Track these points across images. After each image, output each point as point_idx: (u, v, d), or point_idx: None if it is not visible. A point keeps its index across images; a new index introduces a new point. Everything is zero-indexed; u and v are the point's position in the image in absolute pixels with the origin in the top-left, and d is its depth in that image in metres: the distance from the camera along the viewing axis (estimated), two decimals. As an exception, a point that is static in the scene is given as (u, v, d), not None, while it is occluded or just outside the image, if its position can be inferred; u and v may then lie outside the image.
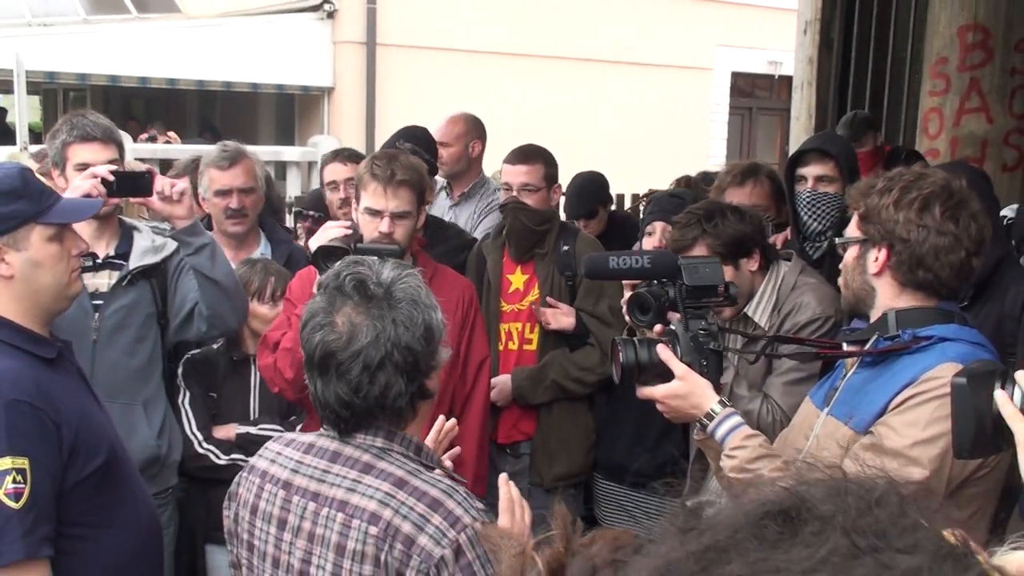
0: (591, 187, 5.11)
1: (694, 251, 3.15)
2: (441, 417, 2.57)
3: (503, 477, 2.18)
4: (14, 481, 2.26)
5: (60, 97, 20.07)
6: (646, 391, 2.35)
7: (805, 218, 3.84)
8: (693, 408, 2.32)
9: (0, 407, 2.29)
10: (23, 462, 2.28)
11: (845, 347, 2.54)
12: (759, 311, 3.25)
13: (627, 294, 3.24)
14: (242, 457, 3.72)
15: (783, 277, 3.27)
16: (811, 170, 3.89)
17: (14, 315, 2.47)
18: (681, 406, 2.34)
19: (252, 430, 3.76)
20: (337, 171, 4.80)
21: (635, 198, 9.53)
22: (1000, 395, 1.77)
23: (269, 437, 3.63)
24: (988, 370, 1.84)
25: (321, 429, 2.14)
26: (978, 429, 1.82)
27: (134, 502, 2.62)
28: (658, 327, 2.38)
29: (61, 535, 2.37)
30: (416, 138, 4.48)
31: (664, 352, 2.35)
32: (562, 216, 4.92)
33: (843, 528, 0.71)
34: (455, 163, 5.17)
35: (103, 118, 3.58)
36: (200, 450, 3.72)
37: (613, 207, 5.78)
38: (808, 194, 3.84)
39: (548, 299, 4.10)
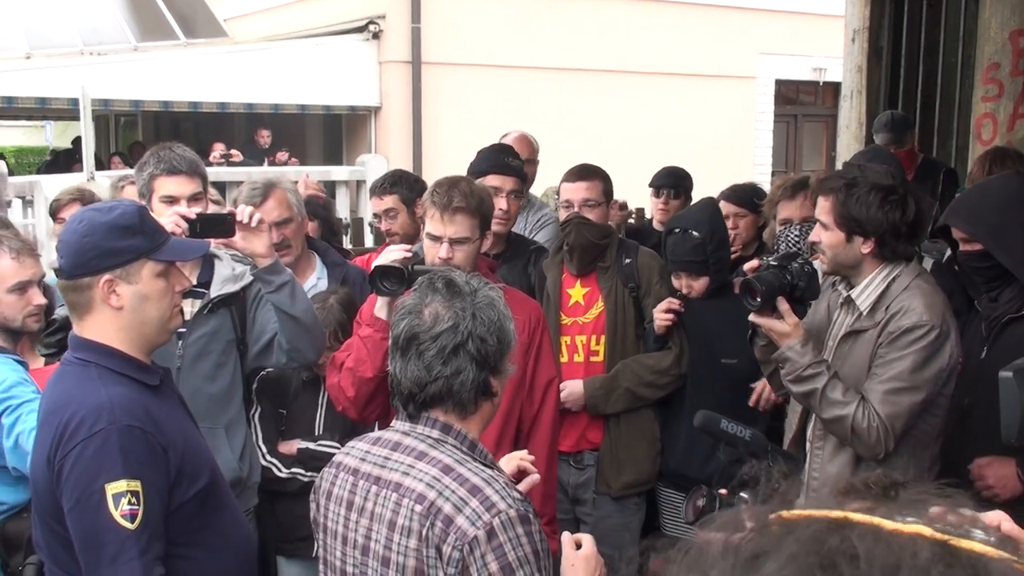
0: (677, 171, 5.67)
1: (826, 200, 3.25)
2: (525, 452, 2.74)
3: (569, 537, 2.32)
4: (129, 503, 2.36)
5: (112, 123, 20.49)
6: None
7: None
8: None
9: (115, 432, 2.40)
10: (136, 485, 2.38)
11: None
12: (863, 296, 3.27)
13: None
14: (302, 471, 3.83)
15: (898, 274, 3.25)
16: None
17: (120, 344, 2.58)
18: None
19: (312, 446, 3.87)
20: (376, 204, 4.91)
21: (685, 209, 9.54)
22: None
23: (328, 453, 3.75)
24: None
25: (393, 423, 2.36)
26: None
27: (232, 523, 2.72)
28: (724, 490, 2.52)
29: (165, 555, 2.47)
30: (513, 152, 4.64)
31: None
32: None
33: None
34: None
35: (189, 151, 3.67)
36: (263, 462, 3.84)
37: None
38: None
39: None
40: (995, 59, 5.91)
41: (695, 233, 4.10)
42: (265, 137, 14.90)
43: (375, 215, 4.95)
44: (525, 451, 2.78)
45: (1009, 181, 3.84)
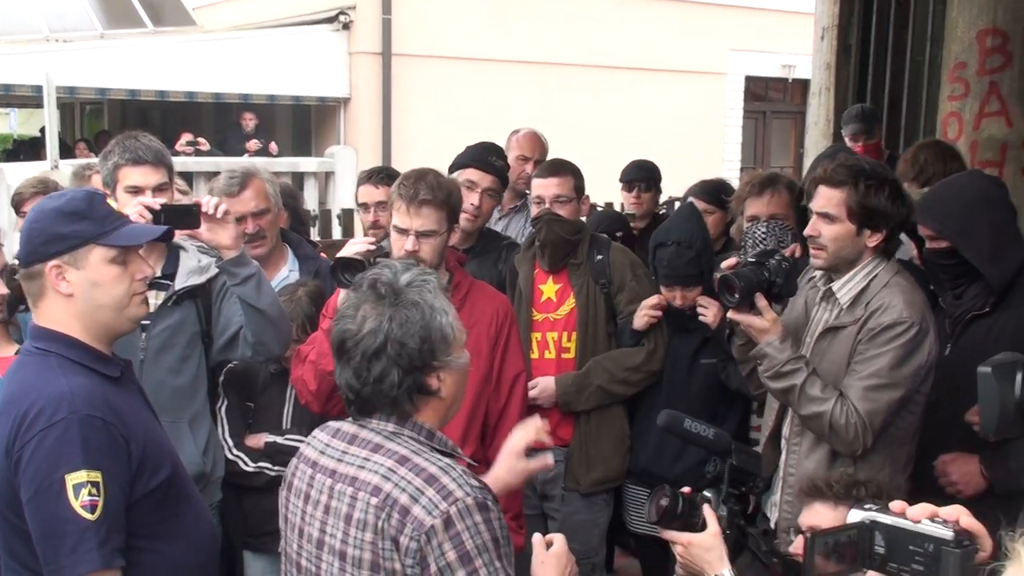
0: (647, 164, 5.77)
1: (837, 191, 3.22)
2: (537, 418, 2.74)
3: (540, 537, 2.36)
4: (89, 494, 2.34)
5: (77, 111, 20.25)
6: (671, 534, 2.49)
7: None
8: (707, 564, 2.44)
9: (75, 422, 2.37)
10: (97, 475, 2.36)
11: None
12: (844, 290, 3.28)
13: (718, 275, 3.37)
14: (268, 465, 3.79)
15: (879, 272, 3.26)
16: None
17: (78, 333, 2.55)
18: (700, 557, 2.46)
19: (280, 440, 3.82)
20: (368, 193, 4.79)
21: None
22: None
23: (295, 447, 3.71)
24: (1011, 360, 2.02)
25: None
26: (1002, 412, 1.99)
27: (195, 517, 2.69)
28: (686, 488, 2.51)
29: (127, 547, 2.44)
30: (499, 152, 4.65)
31: (707, 509, 2.50)
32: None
33: None
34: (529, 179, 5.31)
35: (155, 140, 3.61)
36: (230, 456, 3.80)
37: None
38: None
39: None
40: (962, 58, 5.94)
41: (689, 248, 4.08)
42: (249, 120, 14.68)
43: (363, 204, 4.83)
44: (543, 421, 2.72)
45: (975, 179, 3.87)
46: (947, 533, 1.51)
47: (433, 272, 2.40)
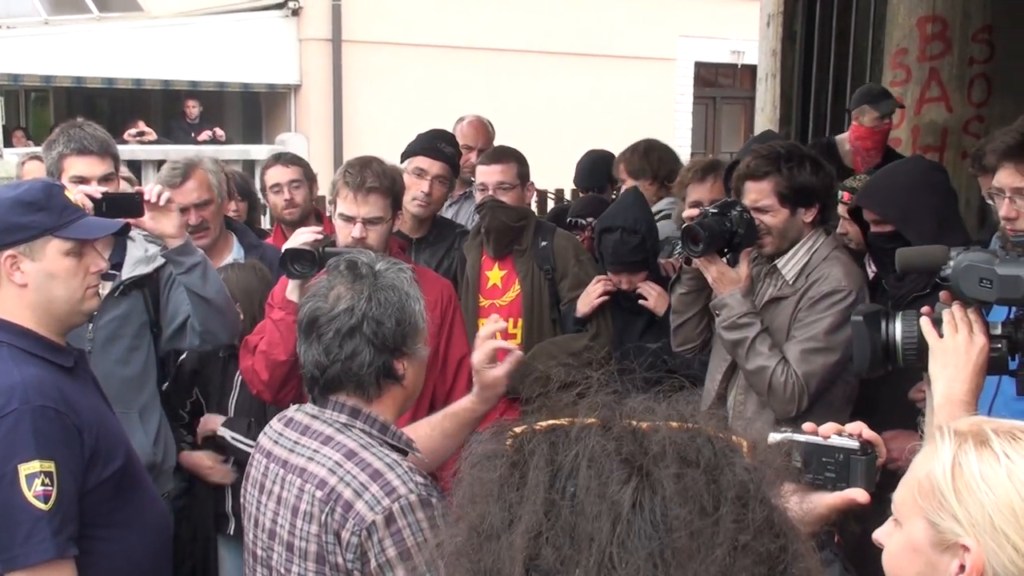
0: (602, 163, 5.58)
1: (763, 183, 3.36)
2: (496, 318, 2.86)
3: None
4: (43, 484, 2.35)
5: (22, 98, 19.86)
6: None
7: None
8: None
9: (27, 412, 2.38)
10: (50, 465, 2.37)
11: None
12: (788, 266, 3.42)
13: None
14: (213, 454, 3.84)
15: (820, 245, 3.42)
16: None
17: (31, 323, 2.55)
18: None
19: (227, 436, 3.81)
20: (281, 174, 4.85)
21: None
22: (924, 321, 2.27)
23: (235, 447, 3.70)
24: (875, 310, 2.37)
25: (305, 405, 2.37)
26: (872, 354, 2.32)
27: (149, 505, 2.72)
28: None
29: (80, 536, 2.46)
30: (449, 139, 4.68)
31: None
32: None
33: None
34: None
35: (100, 130, 3.58)
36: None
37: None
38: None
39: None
40: (903, 45, 6.04)
41: (634, 233, 4.12)
42: (192, 108, 14.44)
43: (275, 185, 4.91)
44: (500, 321, 2.81)
45: (917, 164, 3.96)
46: (853, 444, 1.78)
47: (407, 265, 2.43)
